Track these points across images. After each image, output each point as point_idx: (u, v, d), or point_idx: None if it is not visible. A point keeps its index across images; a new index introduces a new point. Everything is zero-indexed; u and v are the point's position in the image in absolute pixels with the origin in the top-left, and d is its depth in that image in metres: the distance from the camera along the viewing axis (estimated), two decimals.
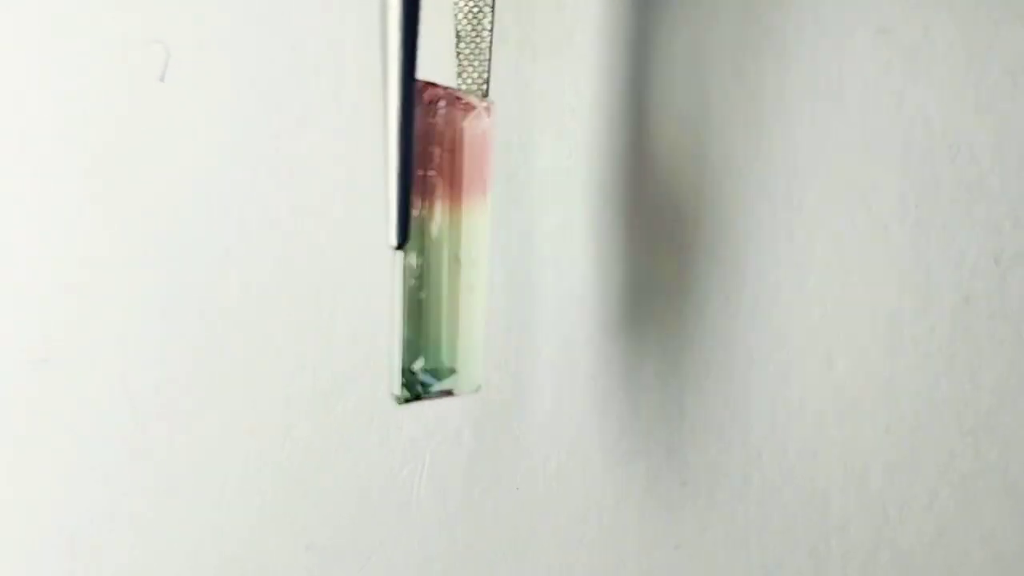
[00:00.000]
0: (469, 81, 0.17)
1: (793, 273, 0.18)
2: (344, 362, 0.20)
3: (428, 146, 0.16)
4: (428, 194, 0.16)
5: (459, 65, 0.17)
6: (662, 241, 0.19)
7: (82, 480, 0.21)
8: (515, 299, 0.19)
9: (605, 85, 0.19)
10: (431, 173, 0.16)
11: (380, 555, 0.20)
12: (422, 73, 0.15)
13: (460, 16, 0.17)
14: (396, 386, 0.16)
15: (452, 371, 0.17)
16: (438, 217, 0.16)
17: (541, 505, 0.19)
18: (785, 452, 0.18)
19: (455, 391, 0.17)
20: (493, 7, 0.17)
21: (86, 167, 0.21)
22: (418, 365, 0.17)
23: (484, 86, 0.17)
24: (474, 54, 0.17)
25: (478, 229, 0.17)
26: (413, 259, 0.16)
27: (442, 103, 0.16)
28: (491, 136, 0.16)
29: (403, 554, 0.20)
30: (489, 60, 0.17)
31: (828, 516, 0.18)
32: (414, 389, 0.17)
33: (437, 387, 0.17)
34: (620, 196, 0.19)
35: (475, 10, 0.17)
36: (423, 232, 0.16)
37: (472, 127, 0.16)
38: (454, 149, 0.16)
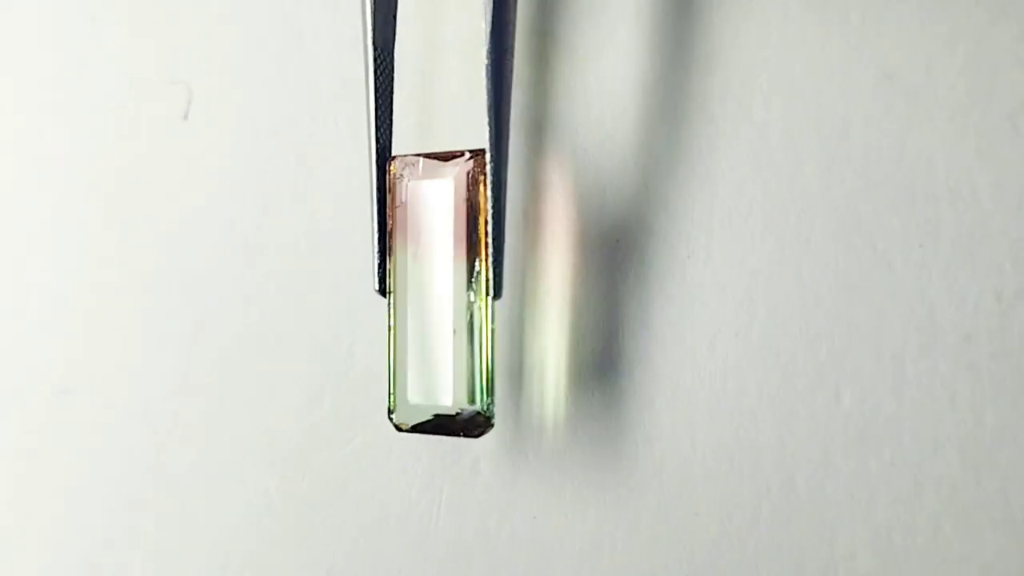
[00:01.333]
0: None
1: (800, 310, 0.19)
2: (362, 395, 0.20)
3: (400, 207, 0.19)
4: (419, 244, 0.19)
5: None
6: (673, 278, 0.19)
7: (102, 507, 0.22)
8: (528, 328, 0.20)
9: (610, 125, 0.20)
10: (420, 229, 0.19)
11: None
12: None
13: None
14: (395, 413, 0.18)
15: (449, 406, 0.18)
16: (428, 266, 0.18)
17: (557, 535, 0.20)
18: (794, 483, 0.19)
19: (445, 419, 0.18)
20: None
21: (108, 201, 0.21)
22: (411, 397, 0.18)
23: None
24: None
25: (454, 276, 0.18)
26: (402, 304, 0.18)
27: (404, 173, 0.18)
28: (460, 188, 0.18)
29: None
30: (495, 116, 0.18)
31: (836, 547, 0.19)
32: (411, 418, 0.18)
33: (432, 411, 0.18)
34: (630, 234, 0.20)
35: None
36: (404, 281, 0.19)
37: (435, 186, 0.18)
38: (416, 206, 0.19)
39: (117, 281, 0.21)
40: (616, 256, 0.20)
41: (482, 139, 0.18)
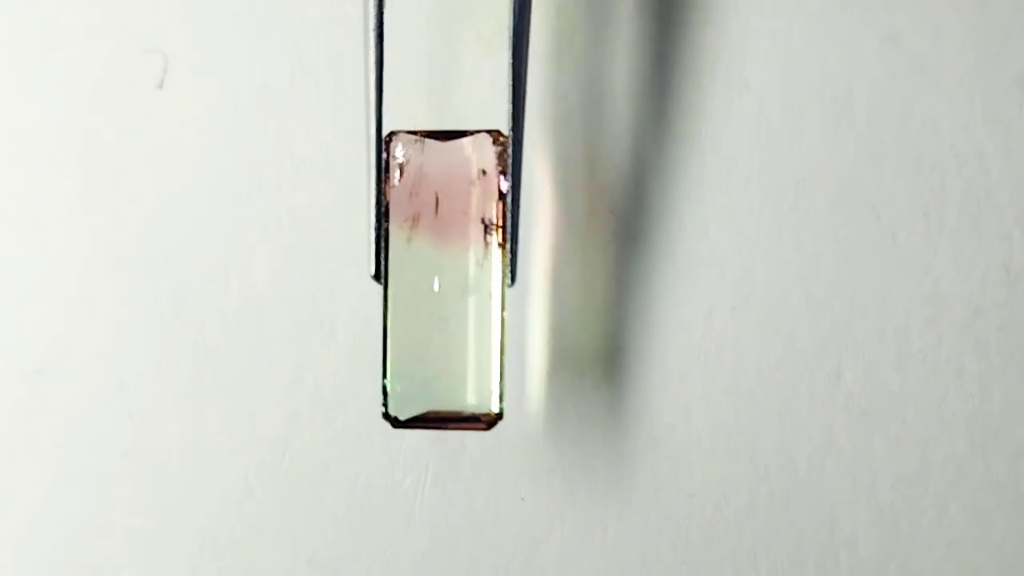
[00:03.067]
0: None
1: (801, 283, 0.18)
2: (344, 373, 0.20)
3: (413, 187, 0.18)
4: (415, 228, 0.18)
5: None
6: (667, 249, 0.19)
7: (78, 492, 0.21)
8: (516, 309, 0.19)
9: (604, 92, 0.19)
10: (418, 210, 0.18)
11: (382, 567, 0.20)
12: None
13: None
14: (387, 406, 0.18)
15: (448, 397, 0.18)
16: (427, 250, 0.18)
17: (546, 517, 0.19)
18: (793, 465, 0.18)
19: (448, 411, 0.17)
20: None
21: (83, 176, 0.21)
22: (400, 386, 0.18)
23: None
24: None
25: (469, 264, 0.17)
26: (399, 291, 0.18)
27: (405, 151, 0.18)
28: (473, 168, 0.18)
29: (405, 566, 0.20)
30: (515, 95, 0.17)
31: (837, 530, 0.18)
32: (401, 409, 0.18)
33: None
34: (621, 204, 0.19)
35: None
36: (402, 263, 0.18)
37: (454, 165, 0.18)
38: (436, 188, 0.18)
39: (91, 258, 0.21)
40: (605, 228, 0.19)
41: (484, 122, 0.18)
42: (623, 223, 0.19)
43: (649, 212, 0.19)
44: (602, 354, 0.19)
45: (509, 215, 0.17)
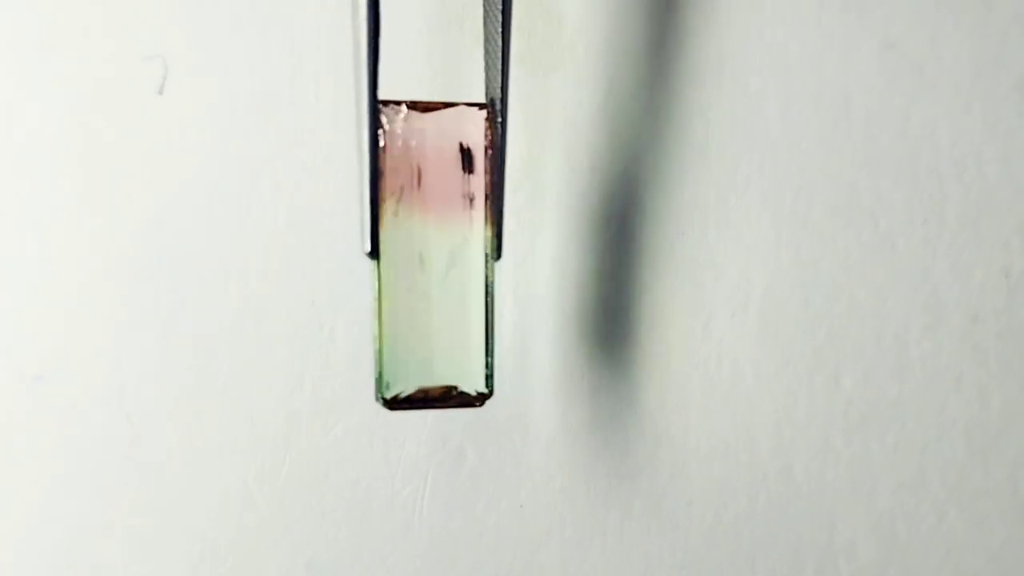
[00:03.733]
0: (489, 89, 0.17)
1: (799, 289, 0.18)
2: (344, 379, 0.20)
3: (395, 160, 0.17)
4: (401, 202, 0.17)
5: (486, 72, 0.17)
6: (666, 257, 0.19)
7: (78, 495, 0.21)
8: (518, 315, 0.19)
9: (607, 100, 0.19)
10: (402, 183, 0.17)
11: (381, 573, 0.20)
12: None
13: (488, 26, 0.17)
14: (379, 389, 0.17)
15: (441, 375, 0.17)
16: (412, 225, 0.17)
17: (545, 524, 0.19)
18: (792, 471, 0.18)
19: (435, 388, 0.17)
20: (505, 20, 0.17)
21: (83, 181, 0.21)
22: (393, 367, 0.17)
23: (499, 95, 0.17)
24: (491, 62, 0.17)
25: (455, 238, 0.17)
26: (389, 267, 0.17)
27: (399, 117, 0.17)
28: (458, 141, 0.17)
29: (405, 572, 0.20)
30: (503, 68, 0.17)
31: (836, 536, 0.18)
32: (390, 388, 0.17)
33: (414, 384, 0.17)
34: (622, 211, 0.19)
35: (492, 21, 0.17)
36: (388, 238, 0.17)
37: (437, 137, 0.17)
38: (419, 160, 0.17)
39: (91, 262, 0.21)
40: (606, 234, 0.19)
41: (467, 97, 0.17)
42: (623, 230, 0.19)
43: (648, 219, 0.19)
44: (601, 361, 0.19)
45: (495, 189, 0.17)
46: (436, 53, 0.20)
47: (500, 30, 0.17)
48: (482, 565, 0.19)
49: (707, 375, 0.19)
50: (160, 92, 0.20)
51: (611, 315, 0.19)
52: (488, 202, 0.17)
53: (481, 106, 0.17)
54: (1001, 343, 0.17)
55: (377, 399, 0.17)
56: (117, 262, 0.21)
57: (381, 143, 0.17)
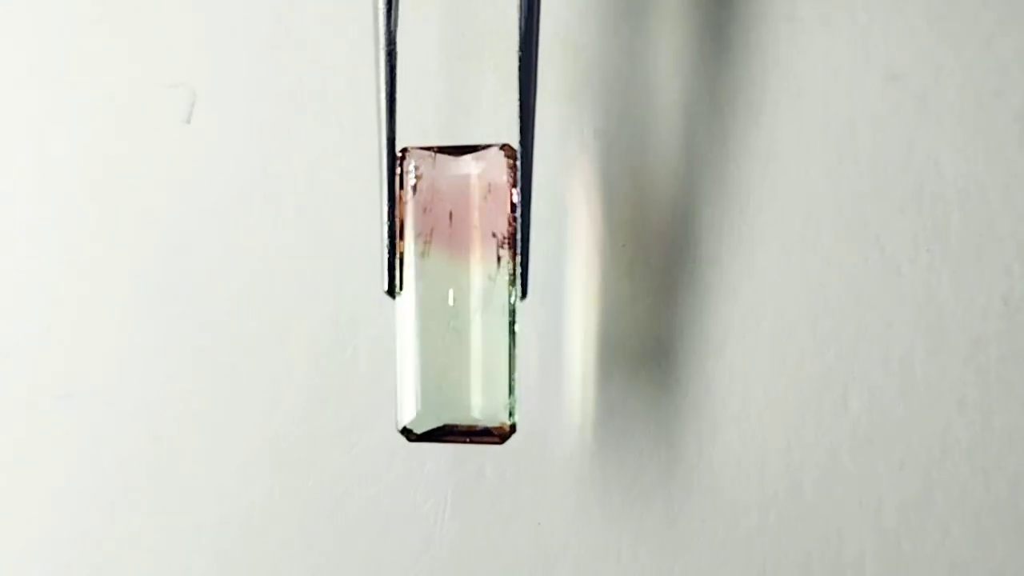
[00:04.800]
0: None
1: (808, 314, 0.19)
2: (365, 396, 0.20)
3: (423, 203, 0.18)
4: (430, 243, 0.18)
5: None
6: (682, 281, 0.19)
7: (101, 512, 0.21)
8: (535, 335, 0.20)
9: (619, 128, 0.19)
10: (432, 225, 0.18)
11: None
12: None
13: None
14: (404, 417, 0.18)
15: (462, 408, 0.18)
16: (439, 265, 0.17)
17: (562, 541, 0.20)
18: (801, 489, 0.19)
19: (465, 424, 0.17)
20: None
21: (110, 205, 0.21)
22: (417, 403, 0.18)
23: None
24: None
25: (481, 277, 0.18)
26: (415, 305, 0.18)
27: (418, 165, 0.18)
28: (483, 182, 0.18)
29: None
30: (526, 106, 0.17)
31: (843, 552, 0.19)
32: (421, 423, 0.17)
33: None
34: (639, 237, 0.19)
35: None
36: (418, 278, 0.18)
37: (454, 179, 0.18)
38: (429, 202, 0.18)
39: (118, 285, 0.21)
40: (621, 260, 0.19)
41: (496, 137, 0.18)
42: (637, 255, 0.19)
43: (664, 245, 0.19)
44: (617, 383, 0.19)
45: (519, 229, 0.17)
46: (455, 88, 0.20)
47: (519, 67, 0.17)
48: None
49: (719, 396, 0.19)
50: (188, 121, 0.21)
51: (626, 339, 0.19)
52: (511, 242, 0.17)
53: (503, 146, 0.17)
54: (1002, 366, 0.18)
55: (398, 430, 0.18)
56: (144, 284, 0.21)
57: (411, 190, 0.18)
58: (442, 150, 0.18)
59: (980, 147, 0.18)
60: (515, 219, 0.17)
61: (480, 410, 0.17)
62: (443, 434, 0.17)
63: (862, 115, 0.19)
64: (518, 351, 0.18)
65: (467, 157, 0.18)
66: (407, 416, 0.17)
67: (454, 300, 0.17)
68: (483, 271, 0.17)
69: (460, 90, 0.20)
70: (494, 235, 0.17)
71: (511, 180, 0.17)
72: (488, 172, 0.17)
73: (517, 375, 0.17)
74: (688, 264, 0.19)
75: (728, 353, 0.19)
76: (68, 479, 0.21)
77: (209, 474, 0.21)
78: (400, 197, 0.18)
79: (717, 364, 0.19)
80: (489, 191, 0.17)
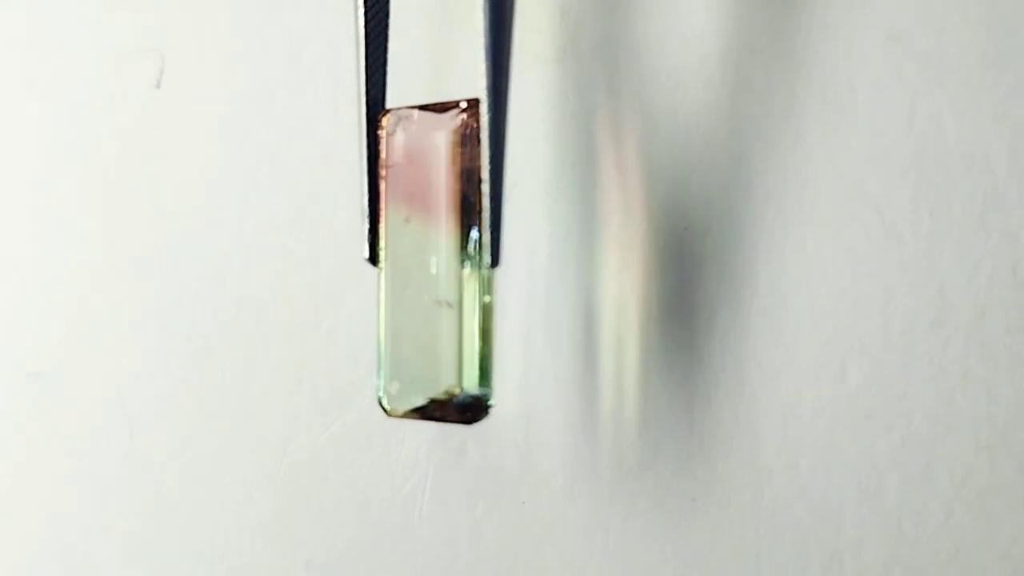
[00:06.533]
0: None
1: (805, 284, 0.18)
2: (343, 376, 0.20)
3: (393, 165, 0.17)
4: (397, 208, 0.17)
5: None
6: (670, 252, 0.19)
7: (77, 495, 0.21)
8: (520, 312, 0.19)
9: (609, 93, 0.19)
10: (411, 189, 0.17)
11: (381, 572, 0.20)
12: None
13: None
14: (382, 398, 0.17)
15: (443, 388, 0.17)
16: (419, 231, 0.17)
17: (547, 521, 0.19)
18: (797, 467, 0.18)
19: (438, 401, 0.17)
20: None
21: (82, 176, 0.21)
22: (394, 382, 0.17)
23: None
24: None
25: (447, 241, 0.17)
26: (394, 274, 0.17)
27: (397, 128, 0.17)
28: (454, 143, 0.17)
29: (405, 571, 0.20)
30: (495, 62, 0.16)
31: (841, 533, 0.18)
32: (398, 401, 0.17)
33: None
34: (627, 207, 0.19)
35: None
36: (395, 250, 0.17)
37: (428, 139, 0.17)
38: (409, 164, 0.17)
39: (89, 258, 0.21)
40: (606, 230, 0.19)
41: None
42: (625, 225, 0.19)
43: (652, 214, 0.19)
44: (602, 358, 0.19)
45: (487, 192, 0.16)
46: (438, 50, 0.19)
47: (489, 23, 0.16)
48: (483, 563, 0.19)
49: (711, 371, 0.18)
50: (157, 86, 0.20)
51: (612, 312, 0.19)
52: (481, 207, 0.16)
53: (471, 102, 0.16)
54: (1009, 338, 0.17)
55: (379, 405, 0.17)
56: (115, 258, 0.20)
57: (394, 155, 0.17)
58: (425, 108, 0.17)
59: (986, 110, 0.18)
60: (482, 182, 0.16)
61: (456, 387, 0.17)
62: (423, 412, 0.17)
63: (861, 78, 0.18)
64: (495, 324, 0.17)
65: (444, 115, 0.17)
66: (387, 393, 0.17)
67: (433, 270, 0.17)
68: (457, 239, 0.17)
69: (440, 49, 0.19)
70: (464, 200, 0.17)
71: (478, 140, 0.16)
72: (454, 133, 0.17)
73: (495, 349, 0.17)
74: (676, 233, 0.18)
75: (719, 325, 0.18)
76: (38, 457, 0.21)
77: (182, 456, 0.20)
78: (383, 161, 0.17)
79: (708, 337, 0.18)
80: (457, 153, 0.16)
